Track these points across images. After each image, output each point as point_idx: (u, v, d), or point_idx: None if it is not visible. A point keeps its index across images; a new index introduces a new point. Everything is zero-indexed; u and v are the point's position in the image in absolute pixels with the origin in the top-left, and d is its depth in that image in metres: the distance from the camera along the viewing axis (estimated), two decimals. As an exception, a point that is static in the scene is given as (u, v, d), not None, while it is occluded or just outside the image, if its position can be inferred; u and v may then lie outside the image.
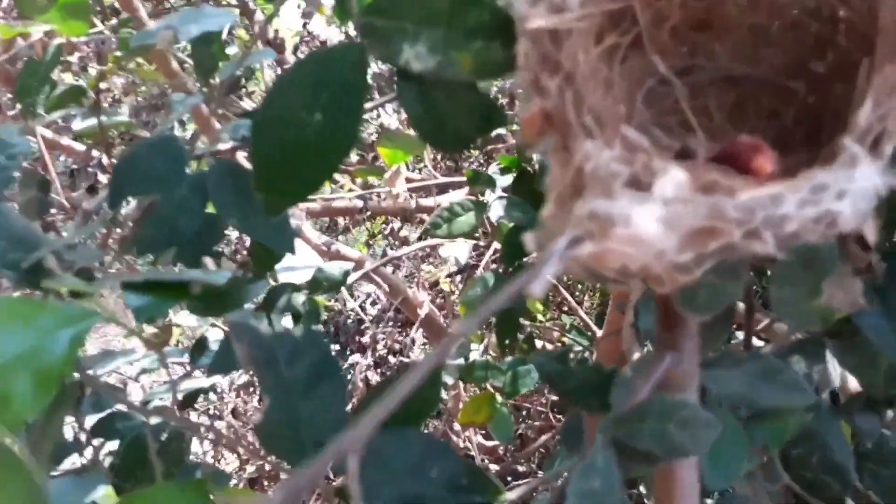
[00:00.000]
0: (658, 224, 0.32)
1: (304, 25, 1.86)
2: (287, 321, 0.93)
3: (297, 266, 0.98)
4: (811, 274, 0.44)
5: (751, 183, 0.33)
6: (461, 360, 1.27)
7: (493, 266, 1.67)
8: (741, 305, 0.66)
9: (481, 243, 1.62)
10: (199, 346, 0.86)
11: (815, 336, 0.62)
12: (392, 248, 2.12)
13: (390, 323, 2.13)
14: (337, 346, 1.99)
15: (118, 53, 1.12)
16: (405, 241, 2.06)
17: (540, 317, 1.82)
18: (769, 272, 0.46)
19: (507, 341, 1.12)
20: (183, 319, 1.32)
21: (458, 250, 1.61)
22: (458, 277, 2.00)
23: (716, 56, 0.44)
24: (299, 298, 0.99)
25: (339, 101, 0.42)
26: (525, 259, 1.11)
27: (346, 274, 1.03)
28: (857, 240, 0.37)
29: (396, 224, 2.12)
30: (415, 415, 0.44)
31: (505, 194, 1.01)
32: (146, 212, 0.62)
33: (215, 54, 0.70)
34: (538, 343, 1.65)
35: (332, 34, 1.89)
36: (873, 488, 0.55)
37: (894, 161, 0.34)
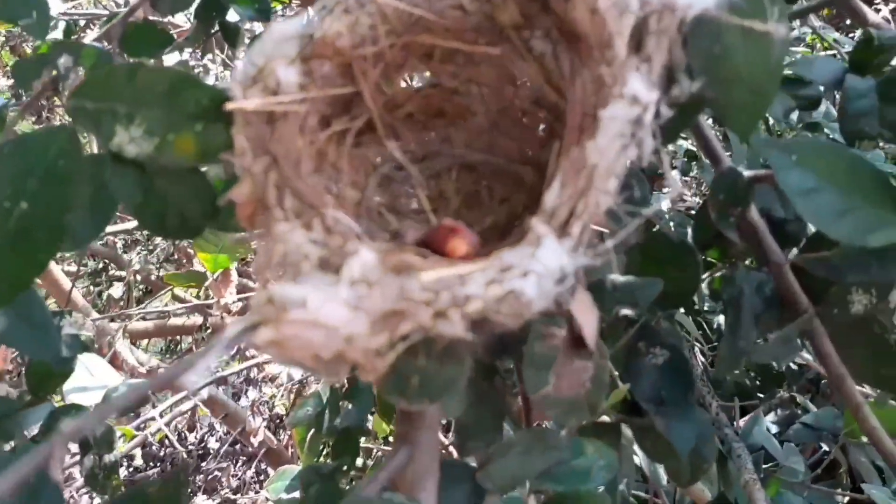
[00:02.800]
0: (343, 307, 0.31)
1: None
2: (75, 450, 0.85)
3: (90, 386, 0.91)
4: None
5: (443, 264, 0.34)
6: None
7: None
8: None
9: None
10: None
11: (613, 422, 0.63)
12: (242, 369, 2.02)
13: (234, 456, 2.01)
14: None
15: None
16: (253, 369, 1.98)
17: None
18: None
19: (343, 466, 1.06)
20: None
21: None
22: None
23: (453, 143, 0.46)
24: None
25: (47, 189, 0.40)
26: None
27: (145, 396, 0.96)
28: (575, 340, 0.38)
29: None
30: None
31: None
32: None
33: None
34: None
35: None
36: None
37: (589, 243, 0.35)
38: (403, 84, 0.45)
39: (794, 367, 1.20)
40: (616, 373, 0.57)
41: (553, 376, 0.39)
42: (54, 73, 0.58)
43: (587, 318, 0.38)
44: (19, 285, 0.41)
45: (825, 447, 1.14)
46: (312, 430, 1.23)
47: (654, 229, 0.59)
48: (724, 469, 0.83)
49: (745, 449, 0.81)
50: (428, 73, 0.45)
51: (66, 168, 0.40)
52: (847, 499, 1.07)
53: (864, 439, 1.01)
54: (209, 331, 1.79)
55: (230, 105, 0.37)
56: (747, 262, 0.60)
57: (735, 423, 1.10)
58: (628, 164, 0.37)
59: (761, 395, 1.17)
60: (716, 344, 1.20)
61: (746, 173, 0.58)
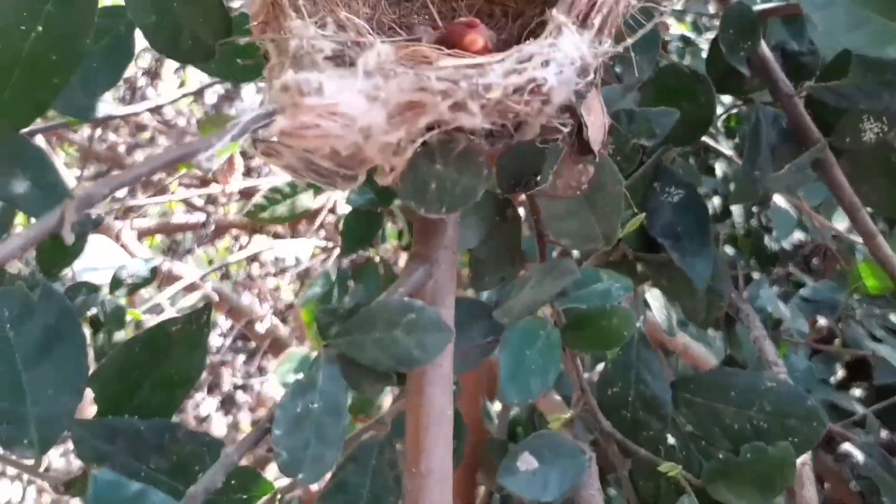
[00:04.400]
0: (360, 97, 0.31)
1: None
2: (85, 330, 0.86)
3: (100, 266, 0.92)
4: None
5: (460, 56, 0.33)
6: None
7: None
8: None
9: (328, 245, 1.54)
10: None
11: (628, 259, 0.64)
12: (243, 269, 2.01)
13: (236, 352, 2.03)
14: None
15: None
16: (255, 259, 1.97)
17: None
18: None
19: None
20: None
21: (298, 249, 1.52)
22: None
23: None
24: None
25: (63, 12, 0.39)
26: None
27: (154, 270, 0.97)
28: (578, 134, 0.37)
29: (245, 239, 2.02)
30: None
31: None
32: None
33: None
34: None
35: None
36: (689, 419, 0.55)
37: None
38: None
39: (786, 247, 1.21)
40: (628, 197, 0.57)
41: (552, 175, 0.38)
42: None
43: (596, 121, 0.37)
44: (35, 109, 0.41)
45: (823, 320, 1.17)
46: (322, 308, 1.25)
47: (665, 63, 0.58)
48: (731, 331, 0.84)
49: (752, 309, 0.83)
50: None
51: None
52: (847, 358, 1.09)
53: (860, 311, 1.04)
54: (212, 227, 1.79)
55: None
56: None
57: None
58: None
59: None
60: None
61: (756, 7, 0.57)
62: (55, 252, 0.78)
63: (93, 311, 0.92)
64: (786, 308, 1.03)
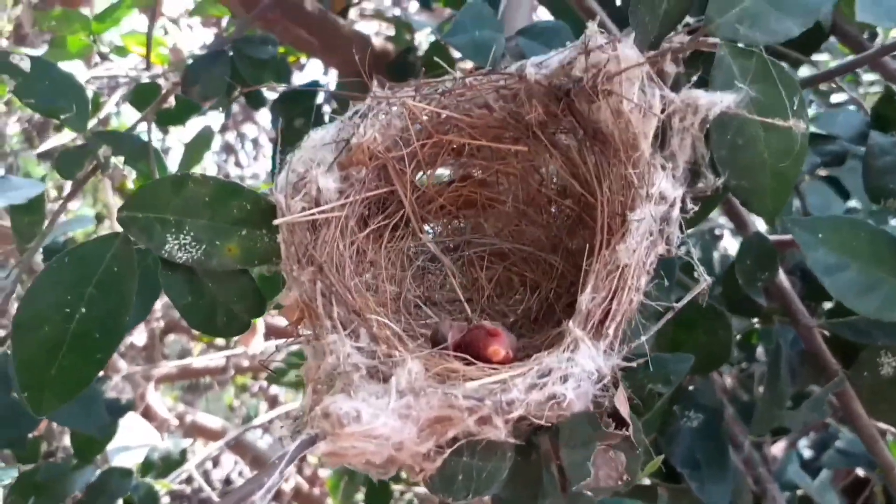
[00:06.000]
0: (393, 417, 0.34)
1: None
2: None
3: (131, 446, 0.95)
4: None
5: (485, 370, 0.36)
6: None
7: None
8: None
9: None
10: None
11: (649, 485, 0.65)
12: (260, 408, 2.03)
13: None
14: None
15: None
16: (274, 401, 1.99)
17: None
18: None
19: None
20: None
21: None
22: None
23: (483, 232, 0.48)
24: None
25: (104, 294, 0.43)
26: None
27: (184, 453, 1.00)
28: (613, 415, 0.40)
29: (265, 382, 2.04)
30: None
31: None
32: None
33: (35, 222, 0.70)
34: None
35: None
36: None
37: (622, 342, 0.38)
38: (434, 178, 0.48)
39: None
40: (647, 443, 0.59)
41: (592, 468, 0.40)
42: (94, 162, 0.62)
43: (623, 406, 0.40)
44: (81, 383, 0.44)
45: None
46: (346, 478, 1.25)
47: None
48: (758, 513, 0.84)
49: (778, 490, 0.83)
50: (457, 168, 0.48)
51: (121, 273, 0.44)
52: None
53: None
54: (232, 373, 1.81)
55: (277, 220, 0.40)
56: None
57: (767, 448, 1.11)
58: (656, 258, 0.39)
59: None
60: (743, 365, 1.21)
61: (774, 238, 0.60)
62: (89, 439, 0.80)
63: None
64: (813, 484, 1.02)
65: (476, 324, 0.41)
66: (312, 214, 0.40)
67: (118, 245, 0.44)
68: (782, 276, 0.60)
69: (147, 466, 0.97)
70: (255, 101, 0.94)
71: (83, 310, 0.44)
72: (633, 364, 0.37)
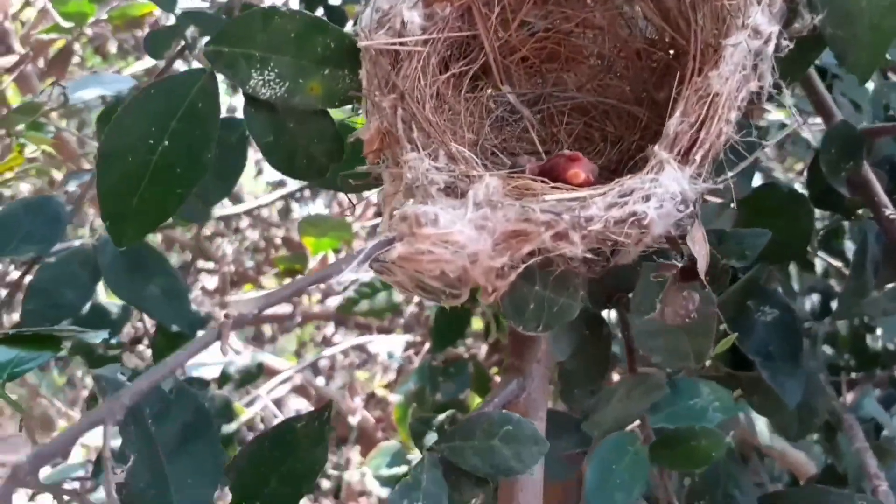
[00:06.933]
0: (470, 226, 0.34)
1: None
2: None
3: (207, 362, 0.98)
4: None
5: (563, 190, 0.36)
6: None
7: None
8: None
9: (416, 339, 1.57)
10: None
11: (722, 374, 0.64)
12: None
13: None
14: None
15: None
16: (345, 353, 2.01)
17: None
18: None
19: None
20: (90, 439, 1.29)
21: (390, 344, 1.56)
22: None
23: (566, 85, 0.48)
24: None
25: (188, 127, 0.44)
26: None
27: (260, 366, 1.02)
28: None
29: (329, 330, 2.07)
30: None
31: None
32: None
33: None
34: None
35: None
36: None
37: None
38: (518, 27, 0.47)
39: (890, 346, 1.17)
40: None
41: (659, 303, 0.40)
42: (182, 42, 0.63)
43: (700, 250, 0.39)
44: (161, 216, 0.46)
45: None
46: (413, 405, 1.27)
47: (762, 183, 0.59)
48: (832, 441, 0.82)
49: (855, 420, 0.81)
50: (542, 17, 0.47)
51: (205, 109, 0.45)
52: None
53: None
54: (297, 318, 1.84)
55: (361, 42, 0.40)
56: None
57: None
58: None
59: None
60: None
61: (861, 126, 0.58)
62: (168, 347, 0.83)
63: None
64: (892, 419, 0.99)
65: (556, 153, 0.41)
66: (395, 44, 0.40)
67: (204, 79, 0.44)
68: (867, 168, 0.58)
69: (224, 378, 1.00)
70: (337, 19, 0.94)
71: (166, 142, 0.45)
72: (720, 185, 0.36)
